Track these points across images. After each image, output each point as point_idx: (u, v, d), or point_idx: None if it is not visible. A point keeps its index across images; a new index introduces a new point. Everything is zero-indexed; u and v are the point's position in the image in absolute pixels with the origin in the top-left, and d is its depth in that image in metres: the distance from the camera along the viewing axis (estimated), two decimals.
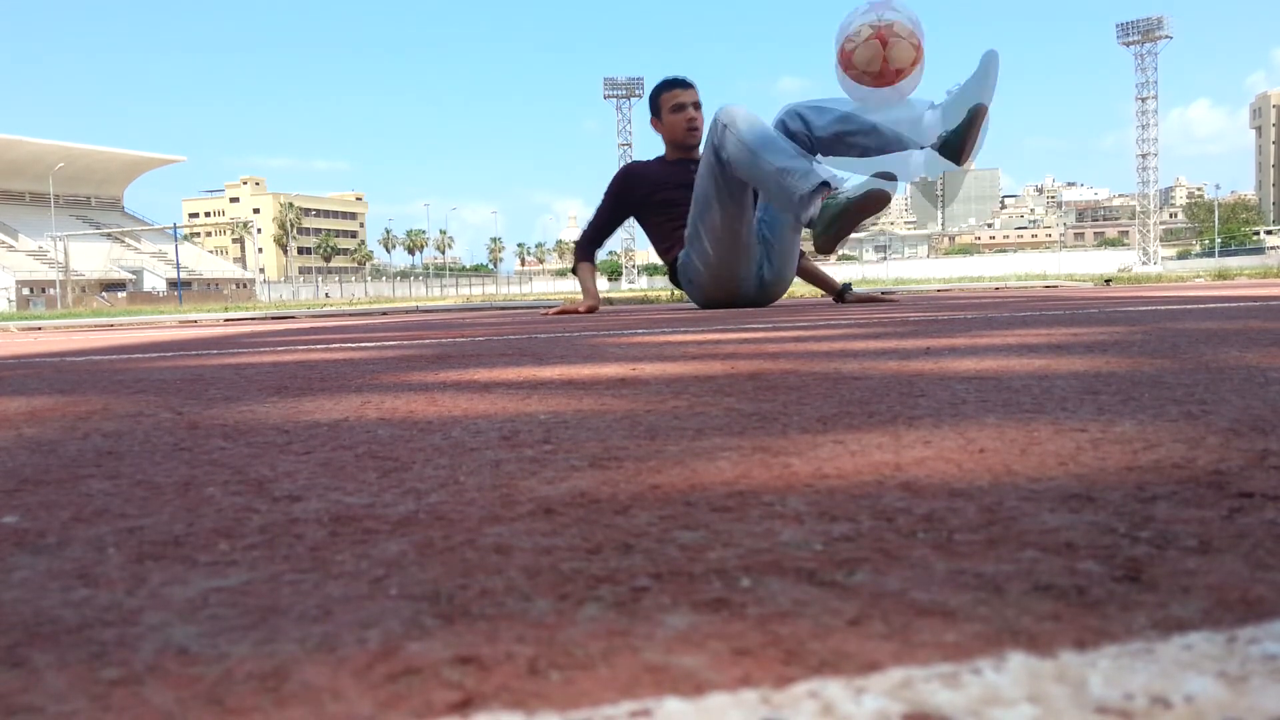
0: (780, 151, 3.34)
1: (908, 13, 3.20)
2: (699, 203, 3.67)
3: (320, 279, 64.48)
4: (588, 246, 4.31)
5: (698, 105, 4.07)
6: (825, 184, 3.20)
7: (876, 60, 3.13)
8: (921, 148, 3.32)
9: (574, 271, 4.38)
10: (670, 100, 4.06)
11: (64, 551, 0.44)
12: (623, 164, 4.34)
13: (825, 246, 3.29)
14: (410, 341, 2.19)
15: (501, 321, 3.46)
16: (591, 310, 4.03)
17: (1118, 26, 55.15)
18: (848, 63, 3.18)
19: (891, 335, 1.73)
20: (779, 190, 3.32)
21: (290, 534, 0.45)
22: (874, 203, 3.15)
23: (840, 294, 4.00)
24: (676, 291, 6.00)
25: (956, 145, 3.20)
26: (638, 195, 4.13)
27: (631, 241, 60.32)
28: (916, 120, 3.31)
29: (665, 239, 4.07)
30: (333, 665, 0.30)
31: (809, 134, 3.46)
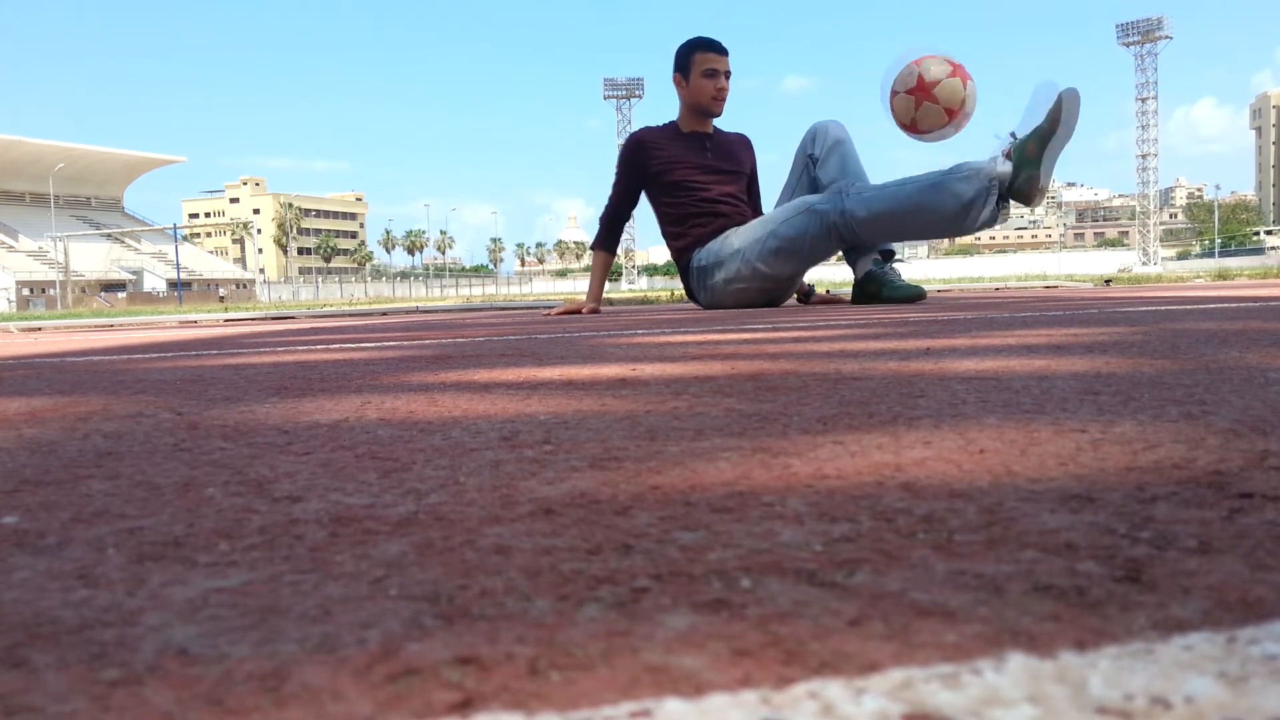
0: (922, 179, 3.32)
1: (938, 56, 3.28)
2: (795, 241, 3.52)
3: (320, 279, 64.49)
4: (607, 232, 4.04)
5: (729, 75, 3.87)
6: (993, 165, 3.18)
7: (939, 114, 3.26)
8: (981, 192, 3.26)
9: (592, 248, 4.17)
10: (705, 62, 3.82)
11: (64, 552, 0.44)
12: (631, 132, 4.12)
13: (1036, 188, 3.17)
14: (410, 342, 2.19)
15: (501, 322, 3.46)
16: (593, 312, 3.96)
17: (1118, 27, 55.20)
18: (906, 126, 3.34)
19: (891, 336, 1.73)
20: (967, 190, 3.20)
21: (290, 534, 0.46)
22: (1070, 106, 3.08)
23: (805, 296, 4.03)
24: (677, 292, 5.96)
25: (1031, 161, 3.16)
26: (651, 169, 3.87)
27: (631, 242, 60.31)
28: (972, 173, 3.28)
29: (676, 223, 3.89)
30: (333, 666, 0.30)
31: (849, 226, 3.44)
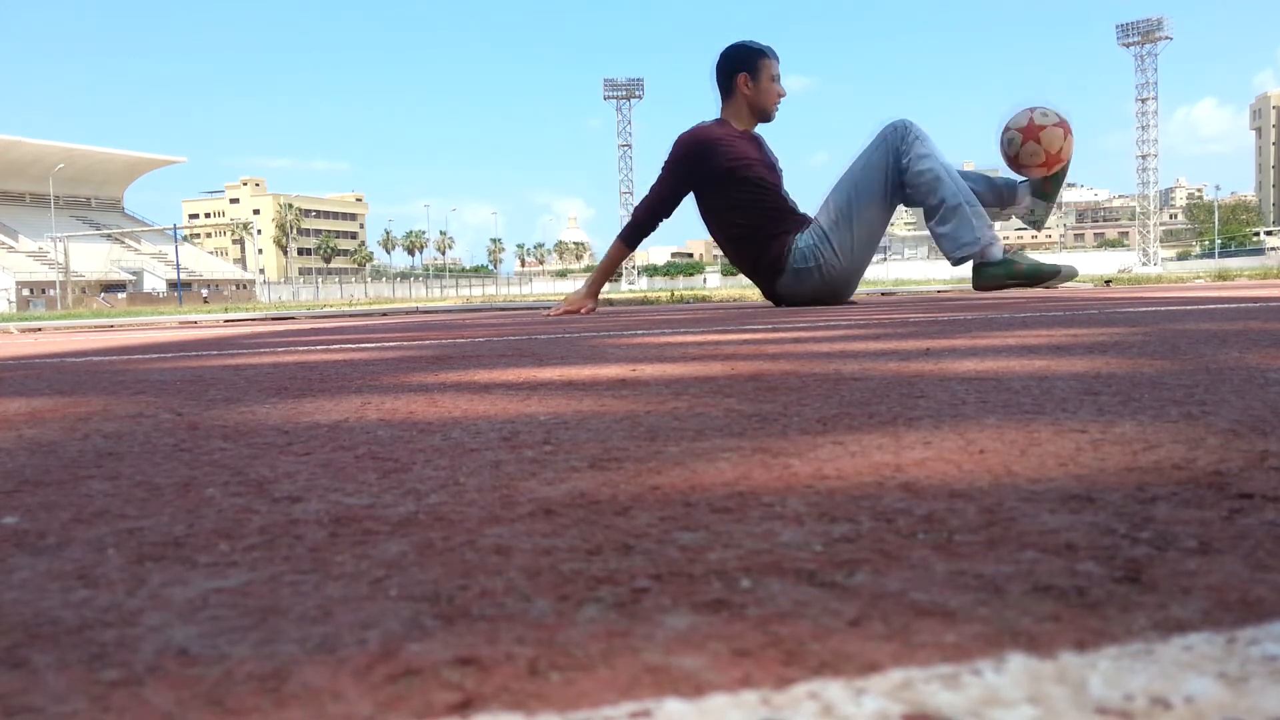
0: (969, 191, 3.64)
1: (1051, 110, 3.78)
2: (858, 197, 3.65)
3: (320, 280, 64.48)
4: (637, 229, 3.90)
5: None
6: (994, 244, 3.65)
7: (1039, 154, 3.75)
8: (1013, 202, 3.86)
9: (619, 238, 4.00)
10: (771, 69, 3.89)
11: (64, 552, 0.44)
12: (685, 133, 3.90)
13: (986, 287, 3.76)
14: (410, 342, 2.19)
15: (501, 322, 3.46)
16: (591, 312, 3.91)
17: (1118, 28, 55.22)
18: (1018, 164, 3.79)
19: (891, 336, 1.73)
20: (966, 225, 3.59)
21: (290, 535, 0.46)
22: (1050, 280, 3.74)
23: None
24: (678, 292, 5.89)
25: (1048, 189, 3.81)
26: (723, 166, 3.77)
27: None
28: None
29: (755, 217, 3.79)
30: (333, 666, 0.30)
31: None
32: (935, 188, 3.60)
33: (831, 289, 3.80)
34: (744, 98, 3.90)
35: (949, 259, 3.75)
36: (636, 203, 4.01)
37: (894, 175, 3.65)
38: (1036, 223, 3.94)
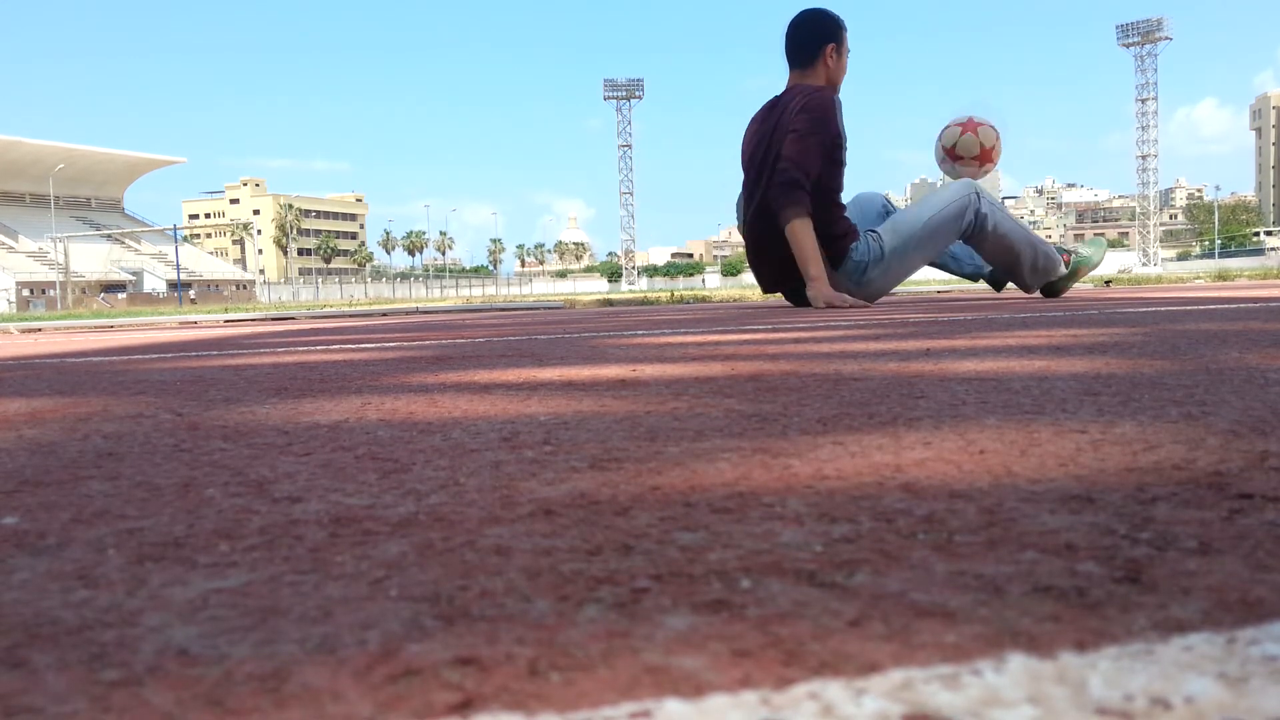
0: (1032, 234, 3.89)
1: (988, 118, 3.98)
2: (921, 237, 3.59)
3: (320, 280, 64.47)
4: (808, 196, 3.37)
5: None
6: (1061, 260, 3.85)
7: (974, 146, 3.87)
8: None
9: (799, 215, 3.36)
10: (846, 42, 3.61)
11: (64, 553, 0.44)
12: (820, 91, 3.50)
13: (1064, 290, 3.99)
14: (410, 343, 2.19)
15: (501, 323, 3.46)
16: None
17: (1118, 28, 55.25)
18: (953, 155, 3.93)
19: (891, 337, 1.73)
20: (1040, 266, 3.75)
21: (290, 535, 0.46)
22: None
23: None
24: (677, 293, 5.84)
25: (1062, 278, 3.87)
26: (834, 139, 3.43)
27: (631, 243, 60.21)
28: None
29: (834, 206, 3.49)
30: (333, 666, 0.30)
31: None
32: (1013, 243, 3.71)
33: (871, 296, 3.72)
34: (826, 70, 3.55)
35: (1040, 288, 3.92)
36: (785, 173, 3.39)
37: (968, 227, 3.64)
38: (1057, 291, 4.11)
